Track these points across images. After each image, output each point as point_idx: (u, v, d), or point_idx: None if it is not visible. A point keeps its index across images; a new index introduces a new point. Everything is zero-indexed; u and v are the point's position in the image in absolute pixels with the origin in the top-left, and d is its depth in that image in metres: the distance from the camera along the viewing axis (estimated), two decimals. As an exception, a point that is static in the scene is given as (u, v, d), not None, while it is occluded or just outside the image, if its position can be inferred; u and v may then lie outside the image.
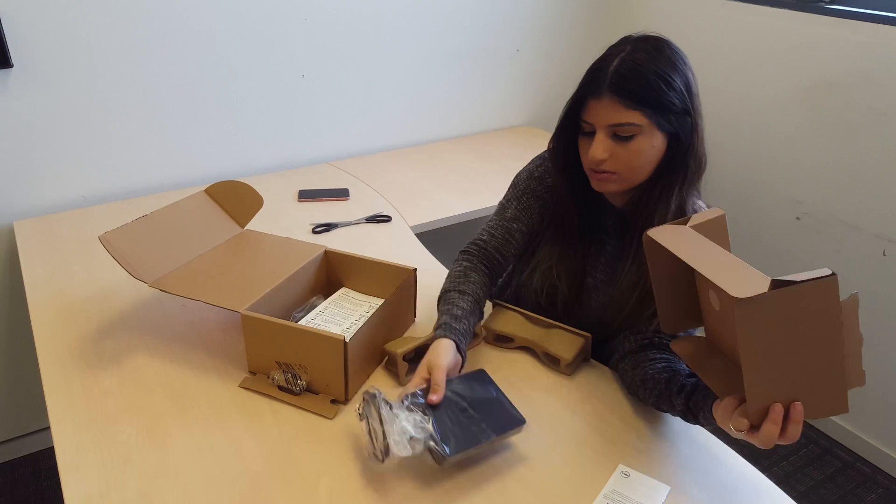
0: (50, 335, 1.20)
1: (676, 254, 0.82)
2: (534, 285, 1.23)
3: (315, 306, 1.22)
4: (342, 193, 1.81)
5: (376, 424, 0.90)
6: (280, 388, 1.07)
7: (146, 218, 1.21)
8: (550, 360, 1.16)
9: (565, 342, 1.16)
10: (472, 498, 0.90)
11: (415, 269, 1.22)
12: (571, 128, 1.09)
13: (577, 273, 1.19)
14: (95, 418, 1.01)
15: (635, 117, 0.99)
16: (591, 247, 1.19)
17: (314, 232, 1.61)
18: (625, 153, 1.02)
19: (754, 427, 0.81)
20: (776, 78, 2.07)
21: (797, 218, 2.10)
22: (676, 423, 1.05)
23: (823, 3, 1.93)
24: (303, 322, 1.17)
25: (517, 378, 1.14)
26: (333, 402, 1.06)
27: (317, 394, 1.07)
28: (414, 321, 1.28)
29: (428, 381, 0.99)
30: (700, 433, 1.03)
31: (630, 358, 1.11)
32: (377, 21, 1.99)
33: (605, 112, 1.00)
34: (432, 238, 1.70)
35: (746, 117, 2.17)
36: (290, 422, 1.02)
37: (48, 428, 1.86)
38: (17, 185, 1.67)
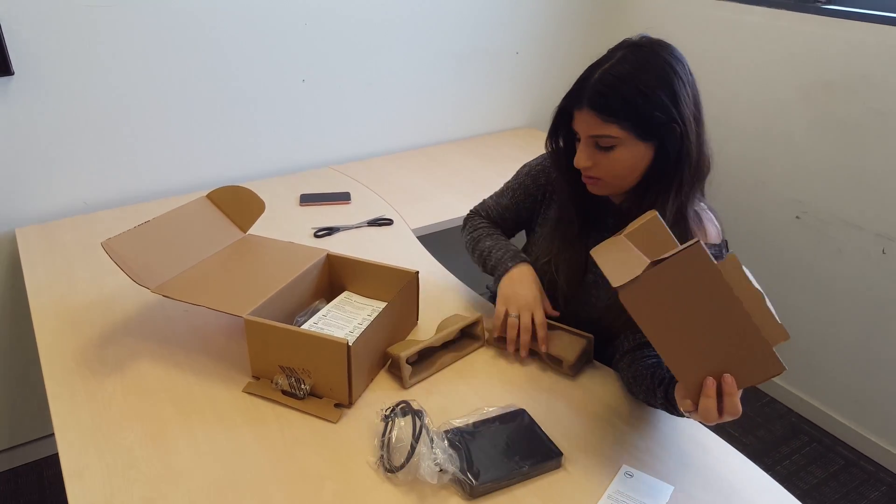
0: (53, 342, 1.21)
1: (599, 264, 0.88)
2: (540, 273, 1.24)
3: (318, 310, 1.23)
4: (343, 197, 1.82)
5: (404, 436, 0.92)
6: (284, 392, 1.08)
7: (148, 224, 1.21)
8: (553, 361, 1.16)
9: (567, 343, 1.16)
10: (477, 500, 0.90)
11: (417, 273, 1.23)
12: (567, 130, 1.12)
13: (577, 267, 1.20)
14: (99, 425, 1.01)
15: (612, 130, 1.02)
16: (592, 243, 1.19)
17: (316, 236, 1.62)
18: (607, 161, 1.06)
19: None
20: (775, 78, 2.07)
21: (797, 217, 2.10)
22: (679, 424, 1.05)
23: (820, 3, 1.93)
24: (306, 326, 1.17)
25: (521, 380, 1.14)
26: (337, 405, 1.06)
27: (320, 398, 1.07)
28: (416, 324, 1.28)
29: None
30: (702, 433, 1.04)
31: (627, 356, 1.12)
32: (376, 25, 1.99)
33: (586, 124, 1.05)
34: (434, 240, 1.71)
35: (745, 118, 2.18)
36: (295, 426, 1.03)
37: (52, 435, 1.86)
38: (19, 192, 1.67)
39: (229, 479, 0.93)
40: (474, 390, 1.11)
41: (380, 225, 1.68)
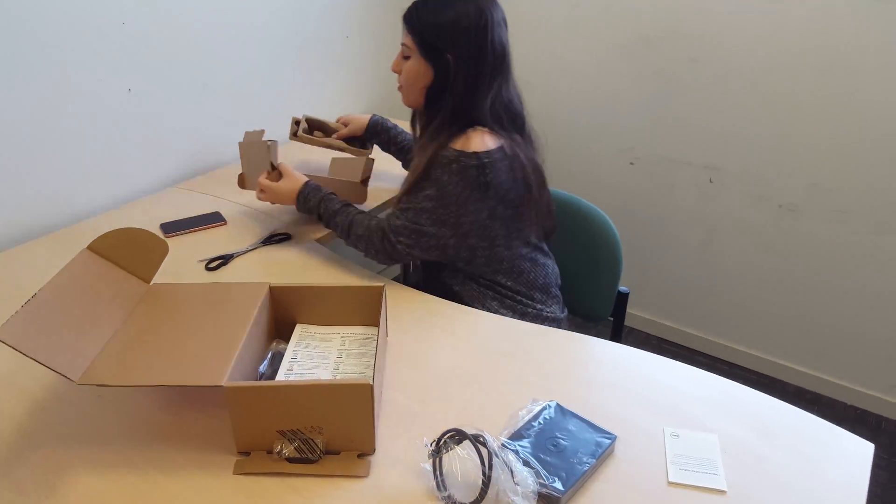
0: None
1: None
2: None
3: (281, 354, 1.04)
4: (216, 219, 1.56)
5: (467, 467, 0.81)
6: (290, 460, 0.90)
7: (36, 299, 0.91)
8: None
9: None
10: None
11: (384, 287, 1.10)
12: None
13: None
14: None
15: (408, 41, 1.26)
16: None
17: (208, 268, 1.37)
18: (405, 71, 1.28)
19: None
20: (596, 38, 2.22)
21: (631, 163, 2.31)
22: (685, 380, 1.09)
23: (629, -35, 2.11)
24: (281, 376, 0.99)
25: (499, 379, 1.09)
26: (360, 456, 0.91)
27: (338, 453, 0.91)
28: (386, 338, 1.16)
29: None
30: (716, 382, 1.08)
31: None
32: (202, 19, 1.72)
33: (404, 34, 1.27)
34: (341, 246, 1.55)
35: (575, 76, 2.31)
36: (319, 496, 0.86)
37: None
38: None
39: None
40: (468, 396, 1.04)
41: (277, 242, 1.48)
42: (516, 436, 0.92)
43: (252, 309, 1.02)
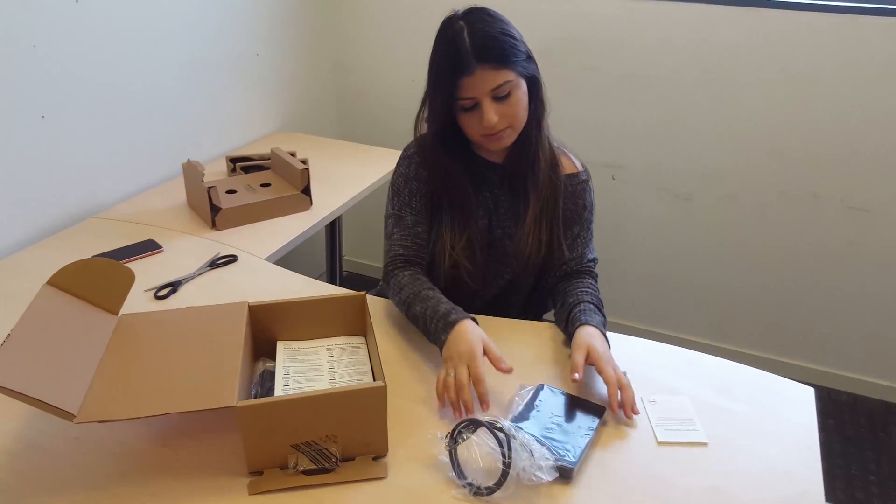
0: None
1: None
2: (442, 272, 1.26)
3: (270, 372, 1.03)
4: (151, 246, 1.49)
5: (484, 453, 0.85)
6: (307, 472, 0.90)
7: (10, 340, 0.85)
8: None
9: None
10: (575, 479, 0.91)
11: (364, 294, 1.12)
12: (446, 113, 1.17)
13: (483, 233, 1.26)
14: None
15: (507, 75, 1.11)
16: (488, 205, 1.27)
17: (157, 297, 1.31)
18: (509, 108, 1.14)
19: None
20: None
21: (539, 165, 2.45)
22: (649, 352, 1.20)
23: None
24: (279, 394, 0.98)
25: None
26: (375, 459, 0.93)
27: (353, 459, 0.92)
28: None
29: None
30: (676, 351, 1.20)
31: (559, 288, 1.28)
32: (115, 40, 1.64)
33: (482, 82, 1.10)
34: (289, 261, 1.53)
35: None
36: (342, 502, 0.87)
37: None
38: None
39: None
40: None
41: (224, 264, 1.44)
42: (520, 418, 0.98)
43: (240, 329, 1.01)
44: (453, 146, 1.23)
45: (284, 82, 2.30)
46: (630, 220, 2.40)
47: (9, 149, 1.47)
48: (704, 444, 0.98)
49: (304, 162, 1.72)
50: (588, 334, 1.08)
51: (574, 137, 2.32)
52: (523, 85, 1.14)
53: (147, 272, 1.39)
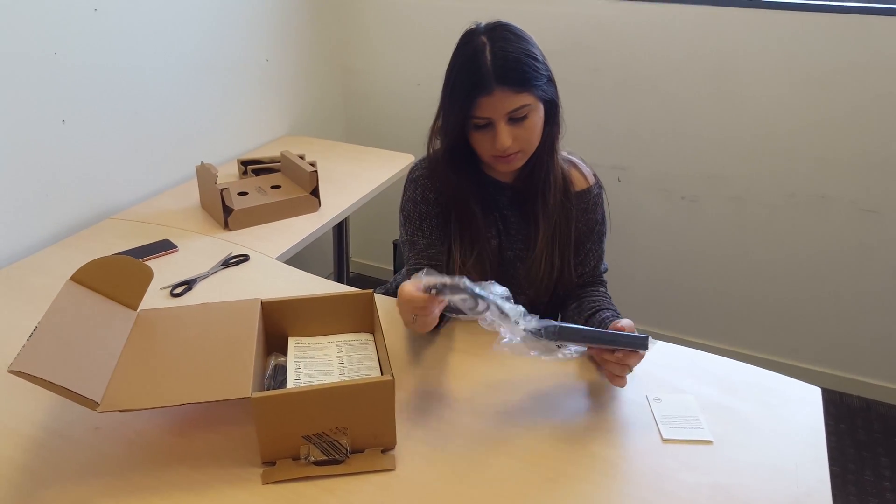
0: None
1: None
2: None
3: (283, 367, 1.06)
4: (166, 246, 1.53)
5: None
6: (317, 463, 0.92)
7: (38, 333, 0.88)
8: None
9: None
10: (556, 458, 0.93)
11: (372, 292, 1.14)
12: (458, 129, 1.15)
13: (494, 252, 1.26)
14: None
15: (526, 99, 1.09)
16: (497, 226, 1.27)
17: (173, 295, 1.35)
18: (523, 132, 1.12)
19: None
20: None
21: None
22: (653, 351, 1.21)
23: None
24: (290, 386, 1.01)
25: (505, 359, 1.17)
26: (384, 451, 0.95)
27: (362, 451, 0.95)
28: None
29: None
30: (680, 351, 1.21)
31: (572, 299, 1.29)
32: (132, 47, 1.68)
33: (500, 104, 1.09)
34: (301, 260, 1.56)
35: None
36: (353, 492, 0.90)
37: None
38: None
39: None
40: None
41: (236, 264, 1.47)
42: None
43: (253, 324, 1.03)
44: (463, 163, 1.21)
45: (293, 87, 2.34)
46: (636, 222, 2.41)
47: (31, 152, 1.51)
48: (710, 442, 0.99)
49: (312, 164, 1.75)
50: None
51: (579, 140, 2.34)
52: (541, 109, 1.13)
53: (163, 271, 1.43)
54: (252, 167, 1.92)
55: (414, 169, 1.28)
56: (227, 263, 1.47)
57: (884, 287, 2.14)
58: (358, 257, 2.97)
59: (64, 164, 1.59)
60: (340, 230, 2.23)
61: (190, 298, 1.34)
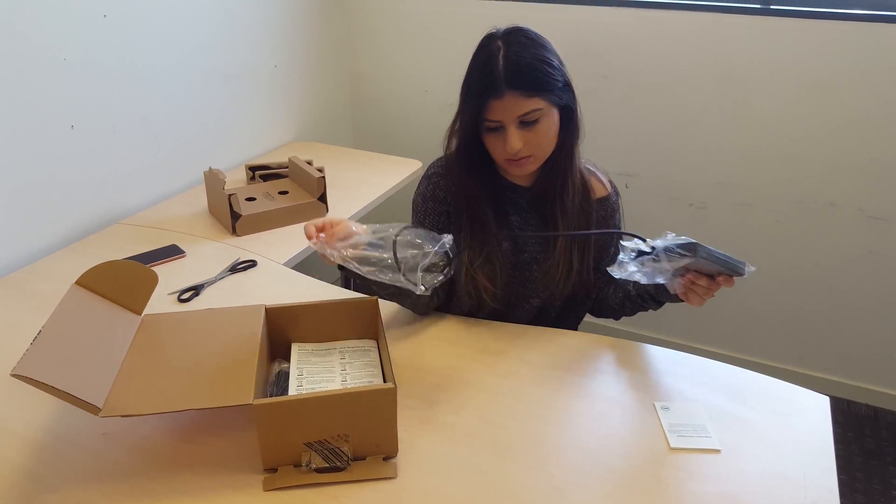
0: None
1: None
2: (463, 291, 1.27)
3: (286, 373, 1.06)
4: (174, 251, 1.53)
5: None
6: (319, 470, 0.92)
7: (42, 337, 0.88)
8: None
9: None
10: (562, 464, 0.92)
11: (377, 299, 1.14)
12: (472, 130, 1.16)
13: (506, 255, 1.26)
14: None
15: (537, 103, 1.10)
16: (513, 228, 1.27)
17: (180, 300, 1.35)
18: (535, 137, 1.13)
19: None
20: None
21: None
22: (661, 360, 1.20)
23: (545, -8, 2.27)
24: (292, 392, 1.01)
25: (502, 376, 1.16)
26: (385, 459, 0.95)
27: (363, 459, 0.94)
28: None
29: None
30: (687, 359, 1.20)
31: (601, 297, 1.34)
32: (141, 53, 1.70)
33: (510, 107, 1.09)
34: (307, 266, 1.56)
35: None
36: (356, 500, 0.89)
37: None
38: None
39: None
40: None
41: (244, 269, 1.48)
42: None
43: (257, 330, 1.03)
44: (479, 165, 1.22)
45: (301, 93, 2.35)
46: (644, 229, 2.36)
47: (40, 157, 1.52)
48: (717, 451, 0.98)
49: (320, 170, 1.76)
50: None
51: (587, 146, 2.32)
52: (554, 114, 1.13)
53: (170, 276, 1.43)
54: (260, 173, 1.92)
55: (431, 166, 1.30)
56: (235, 269, 1.47)
57: (892, 295, 2.12)
58: (365, 263, 2.97)
59: (72, 170, 1.60)
60: (347, 236, 2.23)
61: (197, 304, 1.35)
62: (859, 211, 2.07)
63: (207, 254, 1.55)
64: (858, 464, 2.02)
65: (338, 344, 1.14)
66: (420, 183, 1.30)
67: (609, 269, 1.07)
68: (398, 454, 0.96)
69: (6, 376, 0.88)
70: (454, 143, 1.22)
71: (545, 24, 2.22)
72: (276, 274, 1.47)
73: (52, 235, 1.59)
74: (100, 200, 1.69)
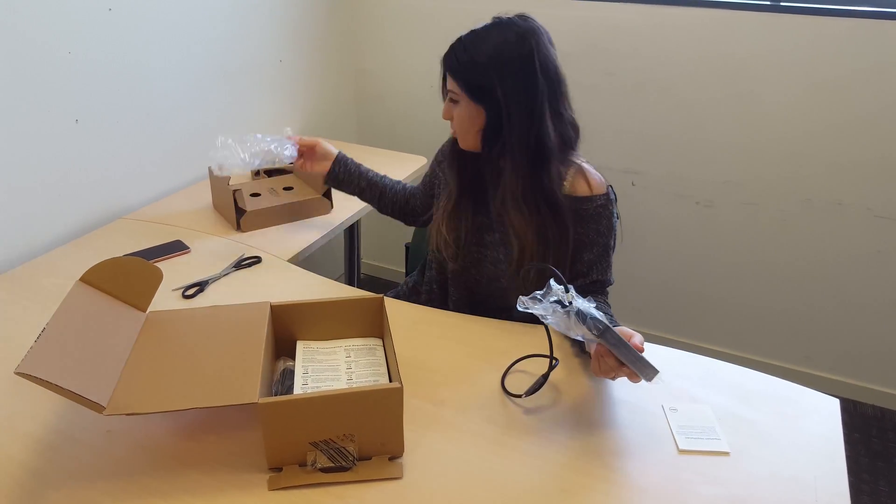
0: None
1: None
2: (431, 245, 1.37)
3: (291, 371, 1.05)
4: (179, 247, 1.53)
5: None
6: (324, 470, 0.91)
7: (45, 334, 0.88)
8: None
9: None
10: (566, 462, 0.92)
11: (382, 297, 1.13)
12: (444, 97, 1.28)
13: (468, 226, 1.30)
14: None
15: (454, 86, 1.20)
16: (482, 204, 1.30)
17: (185, 297, 1.34)
18: (456, 117, 1.23)
19: None
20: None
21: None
22: (669, 361, 1.19)
23: (551, -12, 2.25)
24: (297, 391, 1.00)
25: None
26: (391, 459, 0.94)
27: (369, 458, 0.93)
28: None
29: None
30: (696, 360, 1.19)
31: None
32: (146, 47, 1.68)
33: (448, 80, 1.21)
34: (312, 262, 1.55)
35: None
36: (362, 500, 0.88)
37: None
38: None
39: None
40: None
41: (249, 265, 1.47)
42: None
43: (262, 328, 1.02)
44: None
45: (306, 88, 2.33)
46: (650, 227, 2.39)
47: (45, 151, 1.51)
48: (726, 454, 0.97)
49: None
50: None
51: (593, 143, 2.31)
52: (472, 107, 1.18)
53: (175, 272, 1.42)
54: (264, 168, 1.91)
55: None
56: (240, 265, 1.46)
57: (902, 295, 2.11)
58: (369, 259, 2.96)
59: (76, 164, 1.59)
60: (352, 232, 2.22)
61: (202, 300, 1.34)
62: (867, 210, 2.05)
63: (212, 250, 1.54)
64: (865, 465, 2.01)
65: (343, 342, 1.13)
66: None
67: (521, 297, 0.96)
68: (404, 454, 0.96)
69: (10, 373, 0.87)
70: None
71: (551, 20, 2.19)
72: (281, 270, 1.46)
73: (55, 230, 1.58)
74: (104, 195, 1.68)
